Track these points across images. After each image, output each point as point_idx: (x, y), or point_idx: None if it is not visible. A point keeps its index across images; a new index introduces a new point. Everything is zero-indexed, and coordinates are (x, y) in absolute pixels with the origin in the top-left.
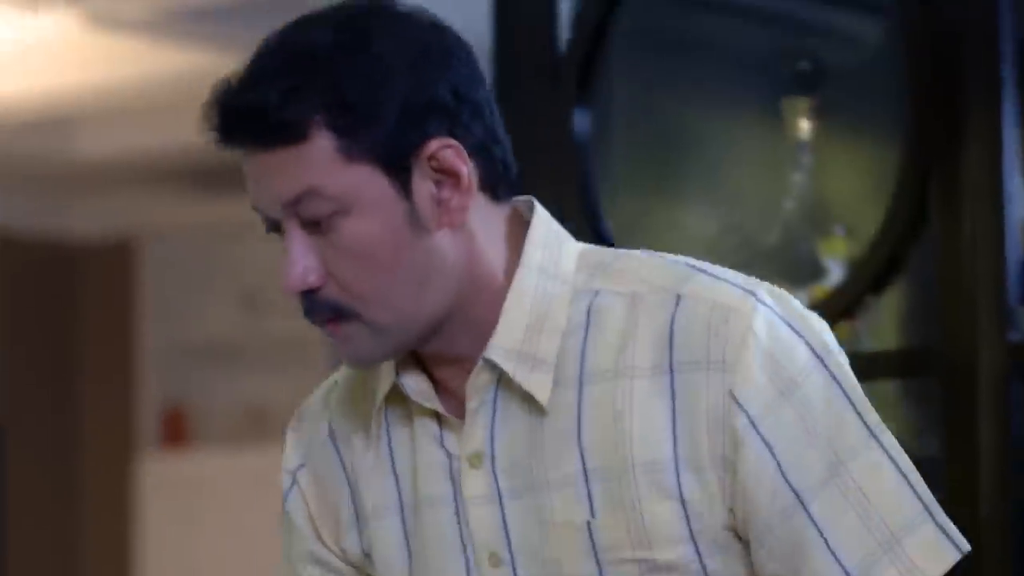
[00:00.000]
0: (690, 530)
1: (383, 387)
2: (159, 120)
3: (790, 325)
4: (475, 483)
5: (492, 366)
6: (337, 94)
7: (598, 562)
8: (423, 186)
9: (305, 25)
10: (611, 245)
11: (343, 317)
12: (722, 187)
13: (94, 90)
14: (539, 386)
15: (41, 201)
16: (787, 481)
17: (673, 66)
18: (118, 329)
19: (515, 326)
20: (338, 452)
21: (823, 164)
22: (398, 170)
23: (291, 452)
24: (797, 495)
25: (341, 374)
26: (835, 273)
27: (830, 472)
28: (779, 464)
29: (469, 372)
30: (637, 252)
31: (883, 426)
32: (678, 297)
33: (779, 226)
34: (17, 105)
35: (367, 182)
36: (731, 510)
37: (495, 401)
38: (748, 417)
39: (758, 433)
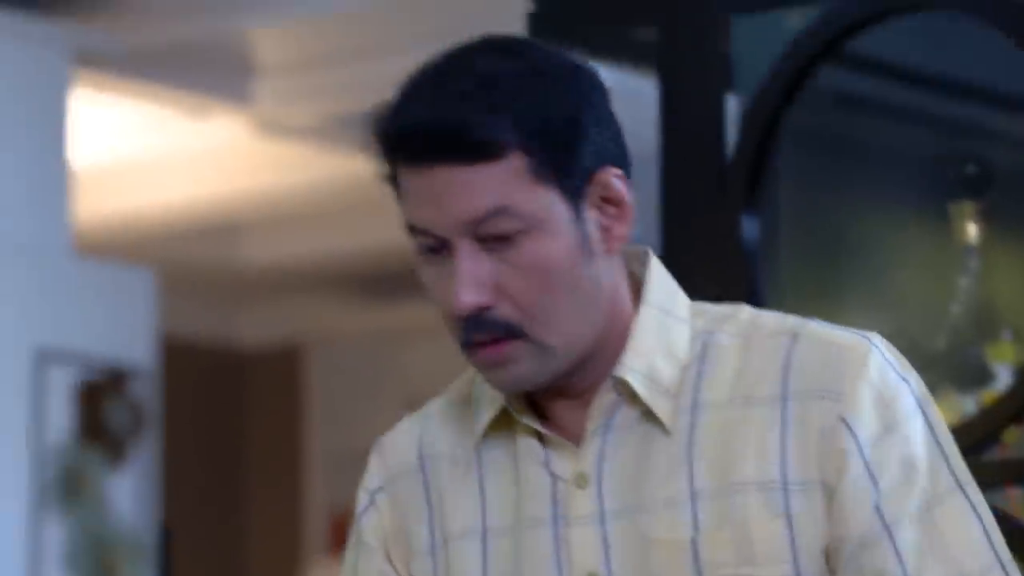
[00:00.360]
0: (794, 550)
1: (487, 413)
2: (326, 226)
3: (898, 372)
4: (580, 503)
5: (621, 386)
6: (529, 117)
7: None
8: (592, 212)
9: (471, 53)
10: None
11: (511, 337)
12: (888, 291)
13: (262, 196)
14: (662, 409)
15: (209, 308)
16: (881, 513)
17: (839, 169)
18: (285, 434)
19: (641, 353)
20: (425, 479)
21: (990, 268)
22: (575, 194)
23: (373, 474)
24: (887, 528)
25: (436, 407)
26: (1003, 378)
27: (919, 513)
28: (878, 495)
29: (583, 405)
30: (747, 306)
31: (972, 481)
32: (795, 336)
33: (946, 331)
34: (186, 212)
35: (551, 203)
36: (827, 535)
37: (609, 423)
38: (856, 443)
39: (863, 461)
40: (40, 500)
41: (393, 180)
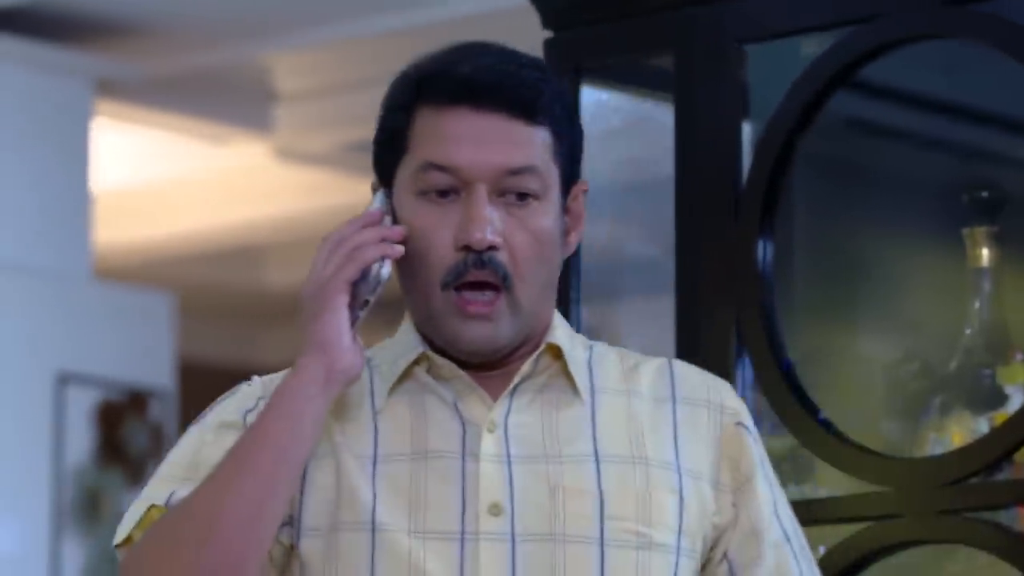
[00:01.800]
0: (680, 524)
1: (404, 361)
2: None
3: None
4: (489, 445)
5: (550, 352)
6: (561, 103)
7: (602, 527)
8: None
9: (509, 48)
10: (792, 377)
11: (503, 288)
12: (902, 314)
13: (281, 222)
14: (579, 377)
15: (229, 331)
16: (779, 517)
17: (854, 194)
18: None
19: (562, 337)
20: None
21: (1002, 291)
22: (566, 187)
23: (246, 398)
24: (784, 531)
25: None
26: (1016, 399)
27: (793, 520)
28: (775, 501)
29: (496, 376)
30: None
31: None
32: (668, 358)
33: (959, 353)
34: (206, 237)
35: (556, 183)
36: (716, 526)
37: (521, 387)
38: (759, 452)
39: (763, 471)
40: (59, 521)
41: (400, 121)
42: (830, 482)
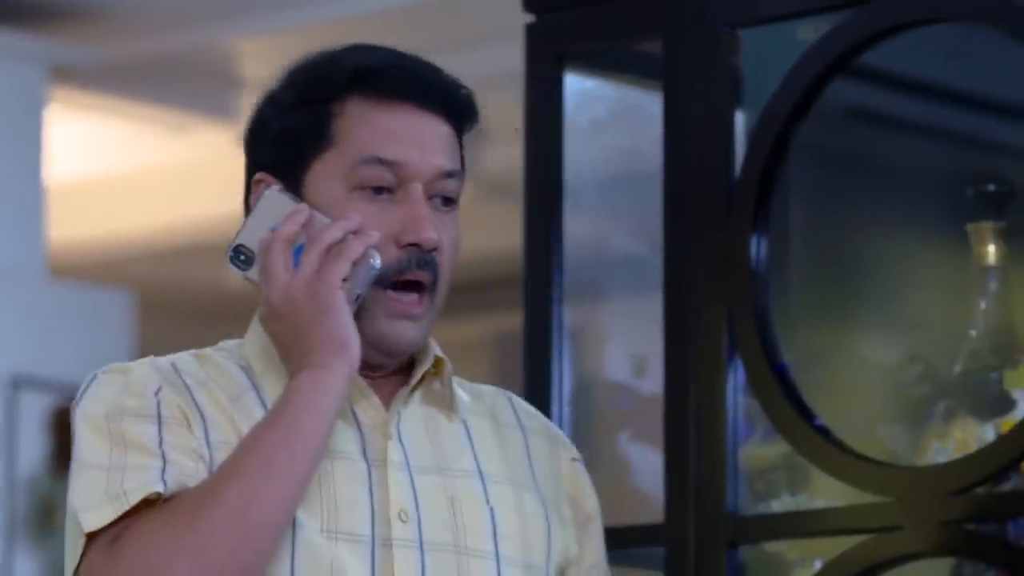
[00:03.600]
0: (549, 551)
1: None
2: None
3: None
4: (394, 452)
5: (436, 365)
6: (478, 119)
7: (496, 544)
8: None
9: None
10: (787, 381)
11: (428, 290)
12: (903, 314)
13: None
14: (458, 394)
15: (192, 331)
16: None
17: (853, 186)
18: None
19: (439, 351)
20: (191, 395)
21: (1010, 291)
22: None
23: (147, 377)
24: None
25: (185, 357)
26: (1023, 405)
27: None
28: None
29: (379, 385)
30: None
31: None
32: (500, 389)
33: (963, 356)
34: (167, 231)
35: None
36: (566, 559)
37: (406, 395)
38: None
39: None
40: (11, 533)
41: (323, 112)
42: (826, 492)
